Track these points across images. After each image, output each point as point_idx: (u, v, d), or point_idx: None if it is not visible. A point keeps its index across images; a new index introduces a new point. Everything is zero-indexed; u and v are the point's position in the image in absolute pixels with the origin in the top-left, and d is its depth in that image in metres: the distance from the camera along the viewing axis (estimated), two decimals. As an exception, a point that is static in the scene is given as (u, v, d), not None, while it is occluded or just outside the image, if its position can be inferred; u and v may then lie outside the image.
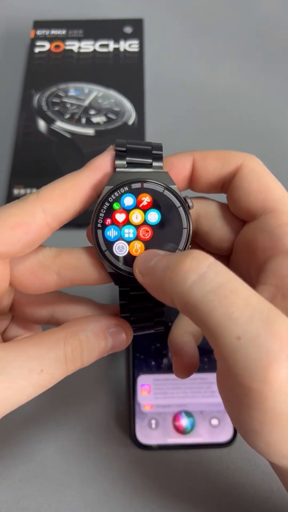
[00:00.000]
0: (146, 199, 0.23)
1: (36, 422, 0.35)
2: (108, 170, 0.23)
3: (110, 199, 0.23)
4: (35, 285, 0.24)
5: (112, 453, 0.34)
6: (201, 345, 0.29)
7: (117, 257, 0.23)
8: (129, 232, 0.23)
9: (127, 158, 0.23)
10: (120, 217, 0.23)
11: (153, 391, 0.35)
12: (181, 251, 0.23)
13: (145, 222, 0.23)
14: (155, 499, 0.33)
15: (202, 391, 0.35)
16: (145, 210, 0.23)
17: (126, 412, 0.36)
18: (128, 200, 0.23)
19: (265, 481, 0.33)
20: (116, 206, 0.23)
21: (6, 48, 0.57)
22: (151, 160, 0.23)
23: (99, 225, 0.23)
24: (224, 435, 0.34)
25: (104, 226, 0.23)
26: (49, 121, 0.49)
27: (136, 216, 0.23)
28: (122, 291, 0.24)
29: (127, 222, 0.23)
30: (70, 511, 0.33)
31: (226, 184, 0.24)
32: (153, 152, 0.24)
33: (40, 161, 0.47)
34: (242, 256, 0.24)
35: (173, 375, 0.26)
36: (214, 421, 0.34)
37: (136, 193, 0.23)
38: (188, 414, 0.35)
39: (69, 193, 0.23)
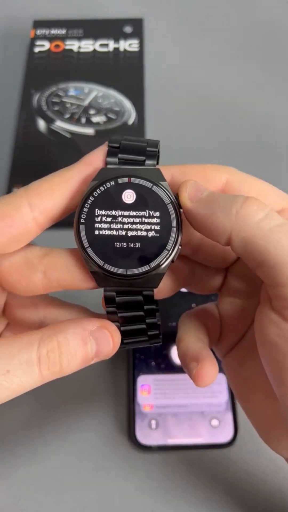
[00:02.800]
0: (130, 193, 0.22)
1: (36, 423, 0.35)
2: (100, 166, 0.22)
3: (95, 194, 0.22)
4: (22, 284, 0.23)
5: (112, 453, 0.34)
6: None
7: (100, 255, 0.21)
8: None
9: (119, 155, 0.22)
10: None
11: (153, 392, 0.35)
12: (169, 252, 0.21)
13: (129, 215, 0.22)
14: (155, 499, 0.33)
15: (202, 391, 0.35)
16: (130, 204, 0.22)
17: (126, 413, 0.36)
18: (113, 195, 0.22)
19: (266, 481, 0.33)
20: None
21: (6, 48, 0.57)
22: (144, 158, 0.22)
23: (82, 220, 0.22)
24: (225, 435, 0.34)
25: (88, 222, 0.22)
26: (49, 121, 0.49)
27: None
28: (107, 296, 0.22)
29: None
30: (70, 511, 0.33)
31: None
32: (148, 149, 0.22)
33: (40, 161, 0.47)
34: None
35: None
36: (214, 422, 0.34)
37: (122, 189, 0.22)
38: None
39: (58, 187, 0.22)
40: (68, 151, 0.47)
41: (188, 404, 0.35)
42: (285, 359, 0.20)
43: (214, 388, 0.35)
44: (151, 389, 0.35)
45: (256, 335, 0.22)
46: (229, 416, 0.35)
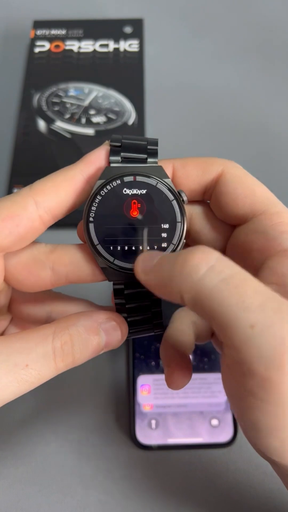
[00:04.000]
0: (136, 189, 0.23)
1: (36, 422, 0.35)
2: (102, 164, 0.23)
3: (102, 193, 0.22)
4: (30, 281, 0.24)
5: (112, 453, 0.34)
6: (200, 346, 0.29)
7: (110, 251, 0.22)
8: None
9: (122, 154, 0.23)
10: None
11: (153, 391, 0.35)
12: (175, 246, 0.23)
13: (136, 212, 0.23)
14: (155, 499, 0.33)
15: (202, 391, 0.35)
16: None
17: (126, 412, 0.36)
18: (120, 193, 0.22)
19: (265, 481, 0.33)
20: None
21: (6, 48, 0.57)
22: (146, 156, 0.23)
23: (91, 219, 0.22)
24: (224, 435, 0.34)
25: (96, 221, 0.22)
26: (49, 121, 0.49)
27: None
28: (117, 289, 0.24)
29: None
30: (70, 511, 0.33)
31: (208, 192, 0.24)
32: (148, 147, 0.23)
33: (40, 161, 0.47)
34: (236, 258, 0.24)
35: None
36: (214, 421, 0.34)
37: (128, 186, 0.22)
38: None
39: (62, 186, 0.23)
40: (68, 151, 0.47)
41: (188, 404, 0.35)
42: (235, 404, 0.19)
43: (214, 388, 0.35)
44: (151, 389, 0.35)
45: (221, 368, 0.21)
46: (228, 416, 0.35)
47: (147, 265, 0.21)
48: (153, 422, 0.35)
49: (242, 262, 0.23)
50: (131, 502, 0.33)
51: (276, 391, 0.17)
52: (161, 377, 0.36)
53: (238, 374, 0.18)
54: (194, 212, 0.25)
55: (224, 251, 0.25)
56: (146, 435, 0.34)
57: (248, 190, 0.23)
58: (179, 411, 0.35)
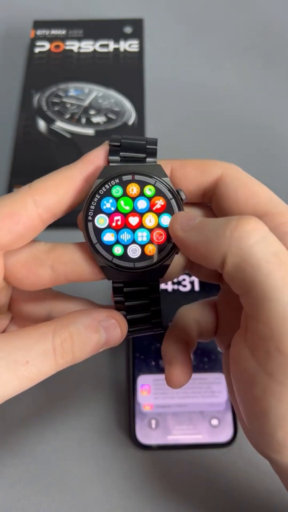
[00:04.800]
0: (134, 188, 0.23)
1: (36, 422, 0.35)
2: (101, 164, 0.23)
3: (101, 192, 0.22)
4: (29, 279, 0.24)
5: (112, 453, 0.34)
6: (200, 346, 0.29)
7: (108, 250, 0.23)
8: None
9: (121, 153, 0.23)
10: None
11: (153, 391, 0.35)
12: (173, 245, 0.22)
13: (134, 210, 0.23)
14: (155, 499, 0.33)
15: (202, 391, 0.35)
16: (134, 198, 0.23)
17: (126, 412, 0.36)
18: (117, 191, 0.23)
19: (265, 481, 0.33)
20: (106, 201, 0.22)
21: (6, 49, 0.57)
22: (145, 155, 0.23)
23: (89, 218, 0.22)
24: (224, 435, 0.34)
25: (94, 219, 0.22)
26: (49, 121, 0.49)
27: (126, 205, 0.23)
28: (116, 287, 0.24)
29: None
30: (70, 511, 0.33)
31: (207, 194, 0.24)
32: (148, 147, 0.23)
33: (40, 161, 0.47)
34: None
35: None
36: (214, 421, 0.34)
37: (126, 185, 0.22)
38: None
39: (61, 184, 0.23)
40: (68, 151, 0.47)
41: (188, 403, 0.35)
42: (245, 391, 0.20)
43: (214, 387, 0.35)
44: (151, 389, 0.35)
45: (230, 353, 0.21)
46: (229, 416, 0.35)
47: (188, 223, 0.21)
48: (153, 422, 0.35)
49: None
50: (131, 502, 0.33)
51: None
52: (161, 377, 0.36)
53: (261, 352, 0.18)
54: (195, 214, 0.25)
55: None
56: (146, 435, 0.34)
57: (249, 191, 0.23)
58: (179, 411, 0.35)
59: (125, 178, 0.22)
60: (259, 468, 0.34)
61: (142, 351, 0.37)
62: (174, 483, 0.33)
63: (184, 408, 0.35)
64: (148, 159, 0.23)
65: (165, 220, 0.23)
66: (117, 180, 0.22)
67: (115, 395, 0.36)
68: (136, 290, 0.24)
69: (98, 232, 0.23)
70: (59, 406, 0.36)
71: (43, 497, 0.33)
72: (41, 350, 0.21)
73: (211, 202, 0.24)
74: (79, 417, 0.36)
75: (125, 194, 0.22)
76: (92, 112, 0.50)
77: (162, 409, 0.35)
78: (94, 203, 0.22)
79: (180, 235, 0.21)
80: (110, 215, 0.23)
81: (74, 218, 0.25)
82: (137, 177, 0.22)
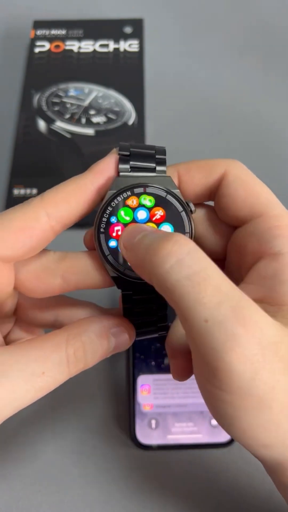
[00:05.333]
0: (135, 200, 0.23)
1: (36, 422, 0.35)
2: (111, 174, 0.23)
3: (113, 204, 0.23)
4: (40, 288, 0.24)
5: (112, 453, 0.34)
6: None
7: (120, 261, 0.23)
8: None
9: (131, 163, 0.23)
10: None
11: (153, 391, 0.35)
12: None
13: (134, 221, 0.23)
14: (155, 499, 0.33)
15: (202, 391, 0.35)
16: (134, 209, 0.23)
17: (126, 412, 0.36)
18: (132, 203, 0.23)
19: (265, 481, 0.33)
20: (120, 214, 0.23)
21: (6, 48, 0.57)
22: (154, 165, 0.23)
23: (102, 230, 0.23)
24: (224, 435, 0.34)
25: (107, 231, 0.23)
26: (49, 121, 0.49)
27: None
28: (125, 294, 0.24)
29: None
30: (70, 511, 0.33)
31: (213, 193, 0.24)
32: (157, 156, 0.23)
33: (40, 161, 0.47)
34: (235, 260, 0.24)
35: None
36: (214, 421, 0.34)
37: (138, 197, 0.23)
38: None
39: (73, 196, 0.23)
40: (68, 151, 0.47)
41: (188, 403, 0.35)
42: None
43: (214, 388, 0.35)
44: (151, 389, 0.36)
45: None
46: (229, 416, 0.35)
47: (129, 241, 0.21)
48: (153, 422, 0.35)
49: (238, 263, 0.24)
50: (131, 502, 0.33)
51: (228, 381, 0.17)
52: (161, 377, 0.36)
53: (198, 364, 0.19)
54: (197, 215, 0.25)
55: (224, 253, 0.25)
56: (146, 435, 0.34)
57: (248, 191, 0.23)
58: (179, 411, 0.35)
59: (136, 190, 0.23)
60: (259, 468, 0.33)
61: (142, 351, 0.37)
62: (174, 483, 0.33)
63: (184, 408, 0.35)
64: (157, 168, 0.23)
65: (166, 229, 0.23)
66: (129, 193, 0.23)
67: (115, 395, 0.36)
68: (145, 297, 0.24)
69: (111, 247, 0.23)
70: (59, 406, 0.36)
71: (43, 497, 0.33)
72: (56, 361, 0.21)
73: (214, 200, 0.24)
74: (79, 417, 0.36)
75: (125, 204, 0.23)
76: (92, 112, 0.50)
77: (162, 409, 0.35)
78: (106, 215, 0.23)
79: (123, 254, 0.21)
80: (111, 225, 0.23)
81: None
82: (148, 189, 0.23)
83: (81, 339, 0.22)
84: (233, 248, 0.24)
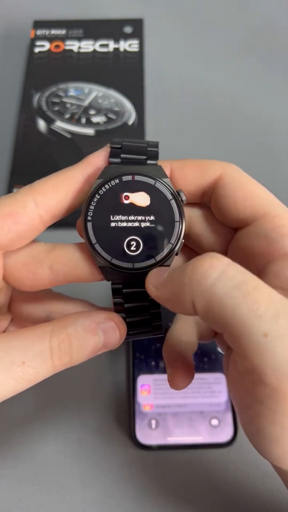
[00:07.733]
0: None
1: (36, 422, 0.35)
2: (102, 165, 0.23)
3: (101, 192, 0.22)
4: (29, 279, 0.24)
5: (112, 453, 0.34)
6: (201, 346, 0.29)
7: (107, 250, 0.22)
8: None
9: (122, 155, 0.23)
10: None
11: (153, 391, 0.35)
12: (173, 245, 0.22)
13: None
14: (155, 499, 0.33)
15: (202, 391, 0.35)
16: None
17: (126, 412, 0.36)
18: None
19: (265, 481, 0.33)
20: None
21: (6, 48, 0.57)
22: (145, 157, 0.23)
23: (89, 218, 0.22)
24: (224, 435, 0.34)
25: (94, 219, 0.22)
26: (49, 121, 0.49)
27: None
28: (115, 288, 0.24)
29: None
30: (70, 511, 0.33)
31: (207, 194, 0.24)
32: (149, 149, 0.23)
33: (40, 161, 0.47)
34: (238, 263, 0.24)
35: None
36: (214, 421, 0.34)
37: (126, 186, 0.22)
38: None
39: (62, 185, 0.23)
40: (68, 151, 0.47)
41: (188, 403, 0.35)
42: (240, 411, 0.20)
43: (214, 388, 0.35)
44: (151, 389, 0.35)
45: (229, 371, 0.21)
46: (229, 416, 0.35)
47: (158, 280, 0.21)
48: (153, 422, 0.35)
49: (244, 266, 0.23)
50: (131, 502, 0.33)
51: (286, 402, 0.17)
52: (161, 377, 0.36)
53: (249, 382, 0.18)
54: (194, 215, 0.25)
55: (225, 254, 0.25)
56: (146, 435, 0.34)
57: (248, 192, 0.23)
58: (179, 411, 0.35)
59: (125, 178, 0.22)
60: (259, 468, 0.34)
61: (142, 351, 0.37)
62: (174, 483, 0.33)
63: (184, 408, 0.35)
64: (149, 161, 0.23)
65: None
66: (117, 181, 0.22)
67: (115, 395, 0.36)
68: (136, 291, 0.23)
69: (98, 232, 0.22)
70: (59, 406, 0.36)
71: (43, 497, 0.33)
72: (38, 351, 0.20)
73: (210, 202, 0.24)
74: (79, 417, 0.36)
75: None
76: (92, 112, 0.50)
77: (162, 409, 0.35)
78: (93, 203, 0.22)
79: (154, 294, 0.21)
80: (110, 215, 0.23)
81: (74, 218, 0.25)
82: (137, 177, 0.22)
83: (66, 331, 0.21)
84: (237, 251, 0.24)
